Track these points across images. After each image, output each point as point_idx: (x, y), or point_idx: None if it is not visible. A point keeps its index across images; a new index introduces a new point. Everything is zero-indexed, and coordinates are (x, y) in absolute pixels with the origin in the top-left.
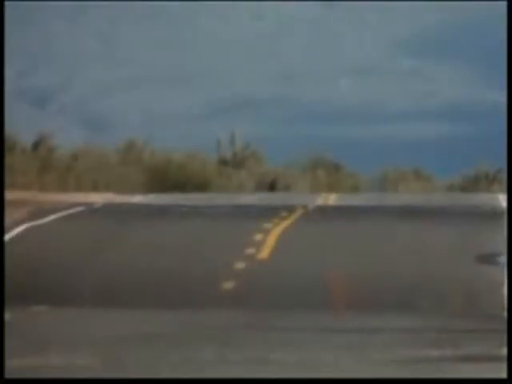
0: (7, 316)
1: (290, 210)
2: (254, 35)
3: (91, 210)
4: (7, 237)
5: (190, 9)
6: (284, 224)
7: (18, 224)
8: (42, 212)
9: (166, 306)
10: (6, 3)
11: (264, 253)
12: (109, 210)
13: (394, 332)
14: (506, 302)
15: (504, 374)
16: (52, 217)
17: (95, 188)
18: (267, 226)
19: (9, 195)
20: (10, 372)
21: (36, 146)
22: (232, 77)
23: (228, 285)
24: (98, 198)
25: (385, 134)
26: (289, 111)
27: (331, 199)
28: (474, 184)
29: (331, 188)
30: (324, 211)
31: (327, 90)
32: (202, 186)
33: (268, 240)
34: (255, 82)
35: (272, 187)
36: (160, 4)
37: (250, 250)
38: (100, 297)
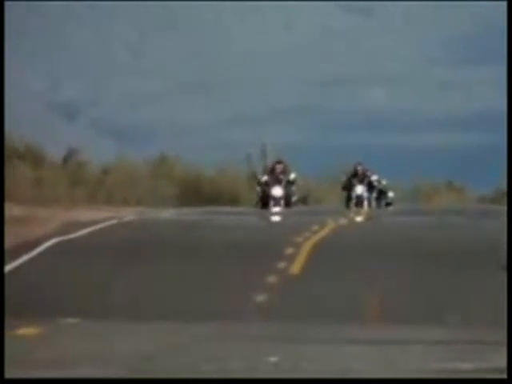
0: (38, 329)
1: (322, 223)
2: (286, 45)
3: (123, 224)
4: (37, 251)
5: (220, 19)
6: (315, 238)
7: (48, 238)
8: (73, 226)
9: (197, 318)
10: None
11: (295, 267)
12: (139, 225)
13: (423, 344)
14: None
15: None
16: (84, 231)
17: (126, 202)
18: (298, 239)
19: (38, 210)
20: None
21: (66, 160)
22: (263, 87)
23: (260, 298)
24: (128, 213)
25: (417, 144)
26: (320, 121)
27: (363, 213)
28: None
29: None
30: (356, 225)
31: (359, 100)
32: (233, 201)
33: (299, 254)
34: (286, 91)
35: (304, 200)
36: (189, 15)
37: (281, 264)
38: (132, 310)
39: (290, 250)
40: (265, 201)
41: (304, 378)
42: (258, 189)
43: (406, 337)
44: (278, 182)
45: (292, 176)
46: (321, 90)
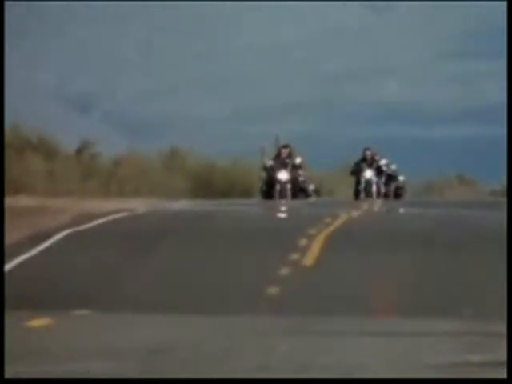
0: (50, 321)
1: (334, 216)
2: (298, 39)
3: (135, 216)
4: (49, 242)
5: (232, 13)
6: (328, 230)
7: (61, 229)
8: (85, 218)
9: (208, 312)
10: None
11: (308, 259)
12: (152, 216)
13: (435, 336)
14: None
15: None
16: (96, 222)
17: (138, 195)
18: (311, 231)
19: (51, 201)
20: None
21: (79, 152)
22: (276, 80)
23: (272, 290)
24: (141, 204)
25: (429, 137)
26: (333, 114)
27: (377, 205)
28: None
29: None
30: (369, 217)
31: (372, 94)
32: (246, 193)
33: (312, 246)
34: (299, 85)
35: (316, 192)
36: (201, 9)
37: (294, 256)
38: (143, 301)
39: (303, 242)
40: (271, 185)
41: (315, 374)
42: (264, 174)
43: (416, 330)
44: (283, 165)
45: (298, 160)
46: (333, 84)
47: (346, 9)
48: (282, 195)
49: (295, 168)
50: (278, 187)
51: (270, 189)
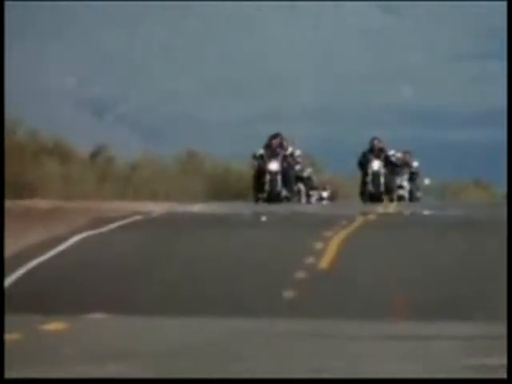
0: (65, 325)
1: (350, 218)
2: (314, 43)
3: (151, 219)
4: (66, 245)
5: (248, 17)
6: (344, 232)
7: (77, 233)
8: (101, 221)
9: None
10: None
11: (324, 262)
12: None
13: (450, 340)
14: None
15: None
16: (113, 225)
17: (154, 198)
18: (327, 234)
19: (67, 205)
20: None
21: (94, 156)
22: (292, 84)
23: (287, 294)
24: (158, 207)
25: (445, 140)
26: (348, 118)
27: (391, 207)
28: None
29: None
30: (384, 220)
31: (388, 97)
32: None
33: (328, 249)
34: (316, 88)
35: (330, 197)
36: (217, 13)
37: (310, 259)
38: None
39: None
40: (260, 175)
41: (330, 376)
42: (255, 163)
43: (432, 333)
44: (274, 155)
45: (290, 149)
46: (349, 87)
47: (362, 12)
48: (272, 186)
49: (287, 158)
50: (267, 177)
51: (259, 179)
